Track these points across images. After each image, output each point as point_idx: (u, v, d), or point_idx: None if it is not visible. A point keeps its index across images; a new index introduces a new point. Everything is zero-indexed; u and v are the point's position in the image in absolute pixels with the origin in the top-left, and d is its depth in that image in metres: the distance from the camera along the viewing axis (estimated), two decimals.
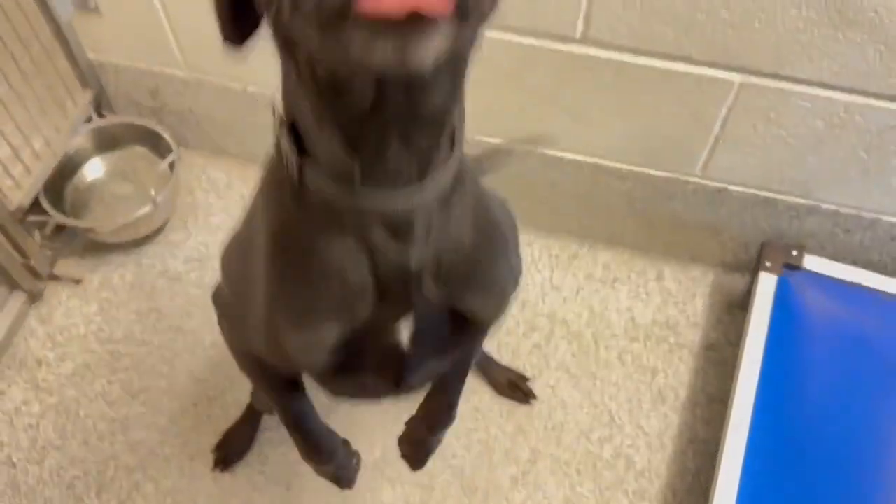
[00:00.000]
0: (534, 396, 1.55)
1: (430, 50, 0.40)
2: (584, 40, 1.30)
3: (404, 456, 1.16)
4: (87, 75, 1.70)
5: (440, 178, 0.60)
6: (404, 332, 0.70)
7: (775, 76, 1.27)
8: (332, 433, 1.07)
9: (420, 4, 0.38)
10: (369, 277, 0.64)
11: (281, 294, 0.69)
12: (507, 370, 1.58)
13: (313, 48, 0.44)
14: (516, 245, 0.85)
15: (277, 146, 0.62)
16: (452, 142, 0.61)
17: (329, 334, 0.68)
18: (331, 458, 1.07)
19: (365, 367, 0.73)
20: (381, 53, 0.39)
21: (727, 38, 1.23)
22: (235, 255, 0.80)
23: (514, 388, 1.55)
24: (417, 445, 1.14)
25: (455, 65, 0.53)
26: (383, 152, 0.55)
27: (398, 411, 1.13)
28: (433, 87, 0.52)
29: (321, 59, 0.47)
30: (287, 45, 0.50)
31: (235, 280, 0.82)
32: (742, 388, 1.42)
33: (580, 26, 1.27)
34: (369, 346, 0.70)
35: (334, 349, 0.69)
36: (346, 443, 1.12)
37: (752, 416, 1.39)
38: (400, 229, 0.61)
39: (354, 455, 1.14)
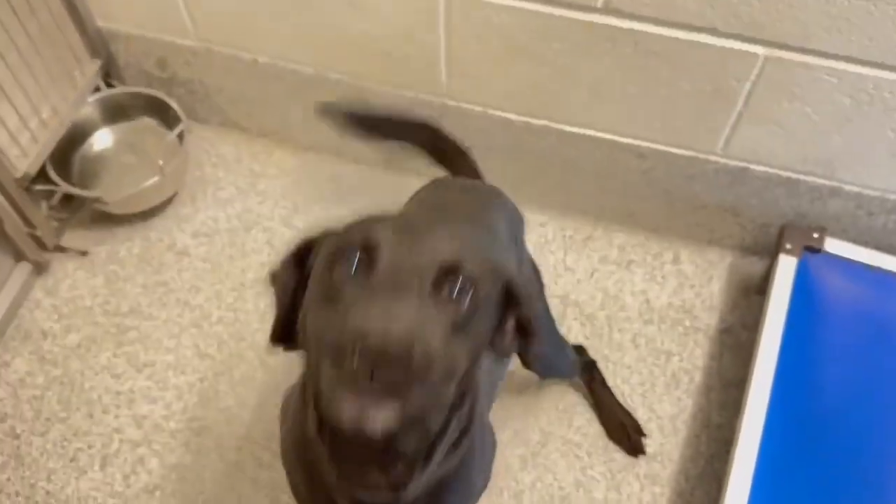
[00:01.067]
0: (643, 452, 1.44)
1: (379, 429, 0.57)
2: (606, 10, 1.26)
3: None
4: (96, 44, 1.67)
5: (409, 497, 0.75)
6: None
7: (802, 50, 1.23)
8: None
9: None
10: None
11: (290, 477, 0.92)
12: (625, 413, 1.47)
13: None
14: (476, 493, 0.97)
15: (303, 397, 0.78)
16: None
17: None
18: None
19: None
20: (345, 415, 0.57)
21: (753, 9, 1.19)
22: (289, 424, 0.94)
23: (624, 434, 1.45)
24: None
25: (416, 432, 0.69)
26: (356, 475, 0.73)
27: None
28: (399, 443, 0.69)
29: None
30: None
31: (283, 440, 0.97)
32: (759, 372, 1.38)
33: None
34: None
35: None
36: None
37: (768, 402, 1.35)
38: None
39: None
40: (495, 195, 1.23)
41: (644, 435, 1.46)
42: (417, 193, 1.23)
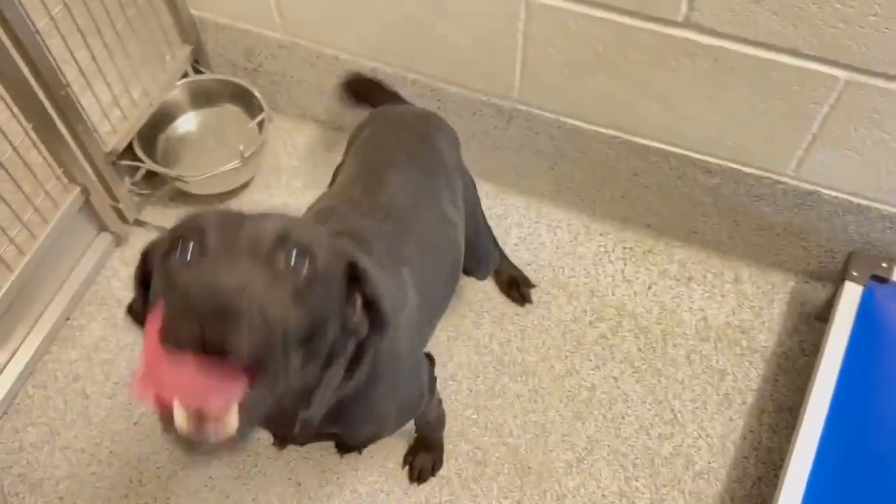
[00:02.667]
0: (529, 301, 1.62)
1: (213, 453, 0.59)
2: (686, 24, 1.27)
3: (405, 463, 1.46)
4: (188, 31, 1.76)
5: (312, 409, 0.80)
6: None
7: (885, 76, 1.21)
8: None
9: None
10: None
11: None
12: (514, 268, 1.64)
13: None
14: (399, 412, 1.07)
15: None
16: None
17: None
18: None
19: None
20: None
21: (838, 32, 1.18)
22: None
23: (514, 287, 1.63)
24: (414, 461, 1.45)
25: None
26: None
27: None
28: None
29: None
30: None
31: None
32: (815, 399, 1.37)
33: (683, 9, 1.25)
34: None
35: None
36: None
37: (822, 430, 1.34)
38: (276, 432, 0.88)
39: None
40: (433, 120, 1.33)
41: (533, 286, 1.64)
42: (356, 134, 1.30)
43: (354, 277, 0.74)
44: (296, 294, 0.62)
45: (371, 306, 0.76)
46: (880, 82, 1.23)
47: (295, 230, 0.65)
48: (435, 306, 1.16)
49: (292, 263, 0.63)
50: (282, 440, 0.99)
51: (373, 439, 1.07)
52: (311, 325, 0.64)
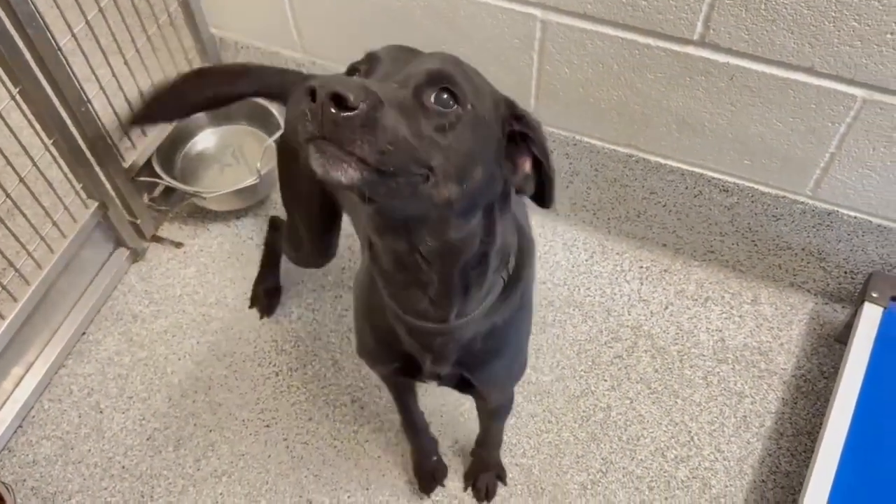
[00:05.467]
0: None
1: (345, 176, 0.60)
2: (702, 43, 1.27)
3: (467, 486, 1.46)
4: (209, 49, 1.78)
5: (466, 318, 0.86)
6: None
7: None
8: (422, 425, 1.39)
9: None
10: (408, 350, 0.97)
11: (360, 339, 1.09)
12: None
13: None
14: (520, 362, 1.11)
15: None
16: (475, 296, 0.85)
17: (385, 366, 1.09)
18: (417, 443, 1.40)
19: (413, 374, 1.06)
20: (316, 168, 0.60)
21: (854, 50, 1.18)
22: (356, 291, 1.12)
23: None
24: (478, 481, 1.43)
25: (436, 230, 0.74)
26: (409, 298, 0.84)
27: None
28: (434, 264, 0.77)
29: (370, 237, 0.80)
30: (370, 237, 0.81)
31: (355, 308, 1.14)
32: (834, 423, 1.34)
33: (699, 28, 1.25)
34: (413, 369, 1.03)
35: (391, 372, 1.09)
36: (433, 441, 1.43)
37: (841, 454, 1.31)
38: (425, 341, 0.91)
39: (436, 454, 1.44)
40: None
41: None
42: None
43: (523, 138, 0.76)
44: (438, 128, 0.65)
45: (538, 167, 0.77)
46: None
47: (454, 73, 0.68)
48: None
49: (435, 100, 0.66)
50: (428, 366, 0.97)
51: (495, 383, 1.07)
52: (459, 161, 0.67)
